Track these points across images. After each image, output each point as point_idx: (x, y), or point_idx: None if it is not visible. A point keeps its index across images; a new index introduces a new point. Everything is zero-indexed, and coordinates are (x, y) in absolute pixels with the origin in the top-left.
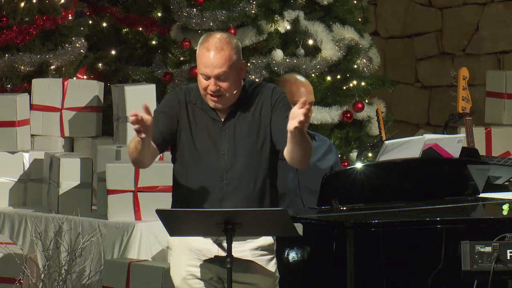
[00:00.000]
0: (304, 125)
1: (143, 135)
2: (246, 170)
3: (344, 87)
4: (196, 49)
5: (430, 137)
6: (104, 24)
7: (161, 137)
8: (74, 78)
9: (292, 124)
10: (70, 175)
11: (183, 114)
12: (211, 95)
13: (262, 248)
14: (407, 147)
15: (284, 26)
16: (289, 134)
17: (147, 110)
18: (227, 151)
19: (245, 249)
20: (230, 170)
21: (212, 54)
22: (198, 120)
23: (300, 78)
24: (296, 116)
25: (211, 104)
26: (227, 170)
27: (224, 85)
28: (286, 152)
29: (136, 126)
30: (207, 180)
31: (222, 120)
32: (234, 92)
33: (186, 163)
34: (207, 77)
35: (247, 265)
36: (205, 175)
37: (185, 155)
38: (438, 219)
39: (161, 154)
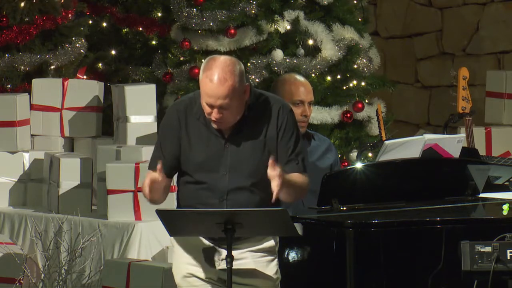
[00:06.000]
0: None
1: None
2: (248, 189)
3: (344, 87)
4: (195, 49)
5: (430, 137)
6: (104, 24)
7: (169, 167)
8: (74, 78)
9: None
10: (70, 175)
11: (183, 132)
12: (214, 121)
13: (263, 249)
14: (407, 147)
15: (284, 26)
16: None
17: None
18: (229, 171)
19: (245, 250)
20: (232, 191)
21: (215, 86)
22: (200, 135)
23: (299, 77)
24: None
25: (214, 126)
26: (228, 190)
27: (227, 113)
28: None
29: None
30: (208, 198)
31: (226, 137)
32: (238, 117)
33: (188, 178)
34: (211, 106)
35: (247, 267)
36: (207, 193)
37: (188, 170)
38: (438, 219)
39: None
